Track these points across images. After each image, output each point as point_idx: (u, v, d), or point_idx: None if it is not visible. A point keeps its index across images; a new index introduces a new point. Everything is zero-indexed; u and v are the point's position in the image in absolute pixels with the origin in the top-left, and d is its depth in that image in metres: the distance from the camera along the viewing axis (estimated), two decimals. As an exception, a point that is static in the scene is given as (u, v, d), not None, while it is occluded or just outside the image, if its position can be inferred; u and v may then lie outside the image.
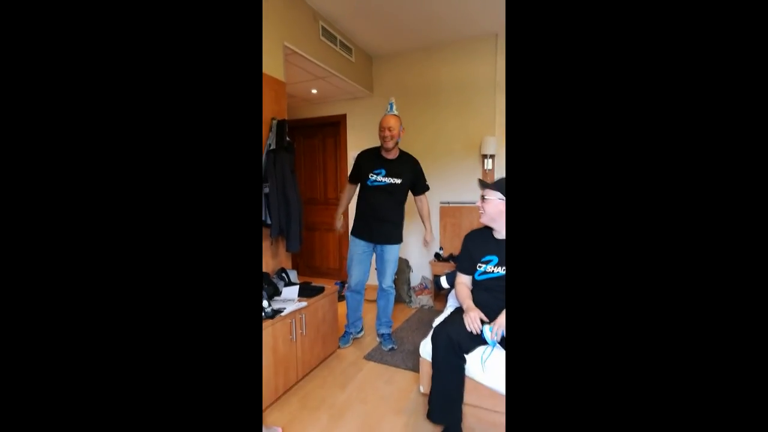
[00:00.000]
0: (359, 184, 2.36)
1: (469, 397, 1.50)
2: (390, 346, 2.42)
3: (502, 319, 1.43)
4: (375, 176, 2.25)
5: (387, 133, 2.16)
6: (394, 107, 2.28)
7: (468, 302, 1.60)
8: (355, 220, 2.38)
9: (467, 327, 1.47)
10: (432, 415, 1.53)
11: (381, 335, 2.51)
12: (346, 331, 2.54)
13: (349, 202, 2.51)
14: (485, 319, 1.49)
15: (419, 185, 2.36)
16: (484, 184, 1.63)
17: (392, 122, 2.16)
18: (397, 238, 2.34)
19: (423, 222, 2.47)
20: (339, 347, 2.44)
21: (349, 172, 2.52)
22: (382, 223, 2.27)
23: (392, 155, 2.27)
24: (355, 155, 2.45)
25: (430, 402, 1.53)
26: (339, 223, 2.52)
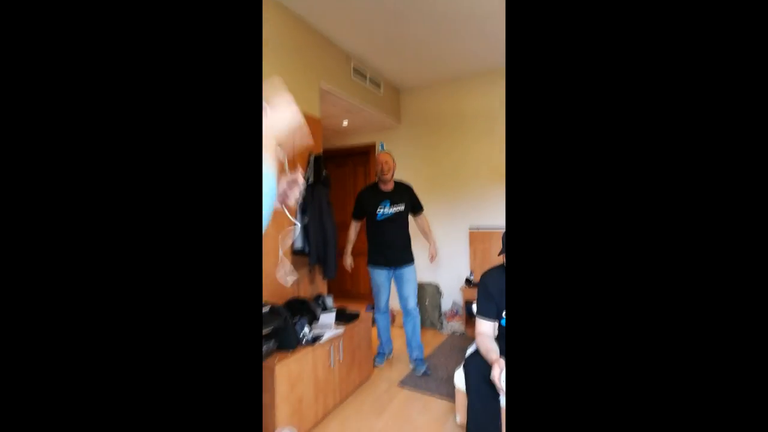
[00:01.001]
0: (366, 220, 2.60)
1: (506, 427, 1.50)
2: (423, 371, 2.45)
3: None
4: (382, 209, 2.49)
5: (385, 166, 2.46)
6: (385, 147, 2.61)
7: (493, 356, 1.43)
8: (370, 253, 2.60)
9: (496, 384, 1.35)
10: (471, 447, 1.52)
11: (414, 360, 2.55)
12: (379, 352, 2.70)
13: (356, 237, 2.71)
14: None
15: (416, 206, 2.64)
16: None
17: (387, 157, 2.51)
18: (409, 258, 2.56)
19: (426, 237, 2.69)
20: (375, 365, 2.60)
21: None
22: (393, 247, 2.50)
23: (390, 186, 2.54)
24: None
25: (467, 433, 1.54)
26: (349, 261, 2.68)
